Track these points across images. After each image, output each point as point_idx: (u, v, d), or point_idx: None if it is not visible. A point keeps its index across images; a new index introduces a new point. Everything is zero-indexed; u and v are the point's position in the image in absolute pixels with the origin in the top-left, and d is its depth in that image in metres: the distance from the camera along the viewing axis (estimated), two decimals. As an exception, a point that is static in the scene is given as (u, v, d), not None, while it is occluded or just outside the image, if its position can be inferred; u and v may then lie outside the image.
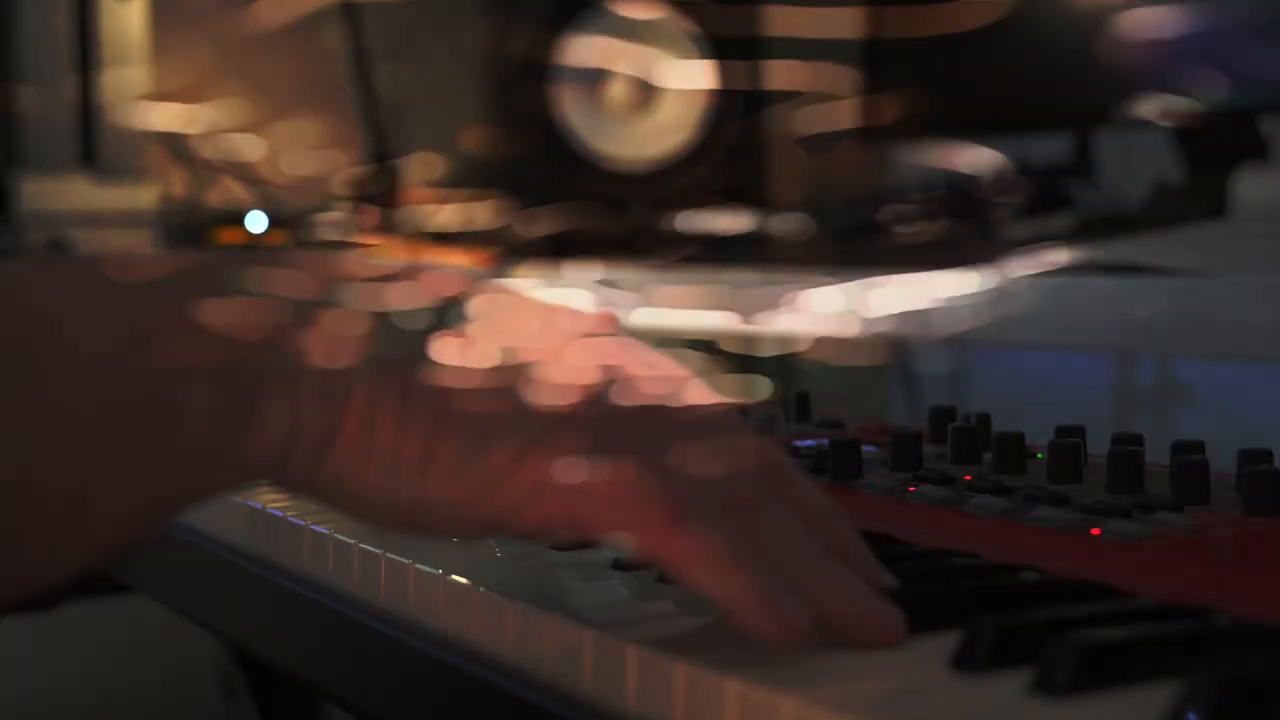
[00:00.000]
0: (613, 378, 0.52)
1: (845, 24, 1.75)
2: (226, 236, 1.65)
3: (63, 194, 1.54)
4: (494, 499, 0.50)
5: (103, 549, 0.48)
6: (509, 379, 0.51)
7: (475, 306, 0.53)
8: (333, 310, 0.50)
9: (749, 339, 1.74)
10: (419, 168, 1.97)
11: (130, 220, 1.57)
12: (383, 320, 0.51)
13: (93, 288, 0.49)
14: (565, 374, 0.51)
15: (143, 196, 1.58)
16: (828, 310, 1.24)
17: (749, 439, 0.53)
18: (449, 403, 0.50)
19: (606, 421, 0.51)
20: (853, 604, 0.50)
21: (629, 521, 0.49)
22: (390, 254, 1.69)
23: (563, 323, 0.54)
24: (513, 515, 0.51)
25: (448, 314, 0.52)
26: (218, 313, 0.49)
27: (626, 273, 1.49)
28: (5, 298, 0.48)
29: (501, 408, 0.50)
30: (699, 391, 0.54)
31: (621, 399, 0.52)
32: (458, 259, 1.67)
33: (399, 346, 0.51)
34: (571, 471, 0.49)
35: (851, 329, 1.24)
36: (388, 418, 0.50)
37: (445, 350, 0.51)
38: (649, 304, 1.45)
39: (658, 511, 0.49)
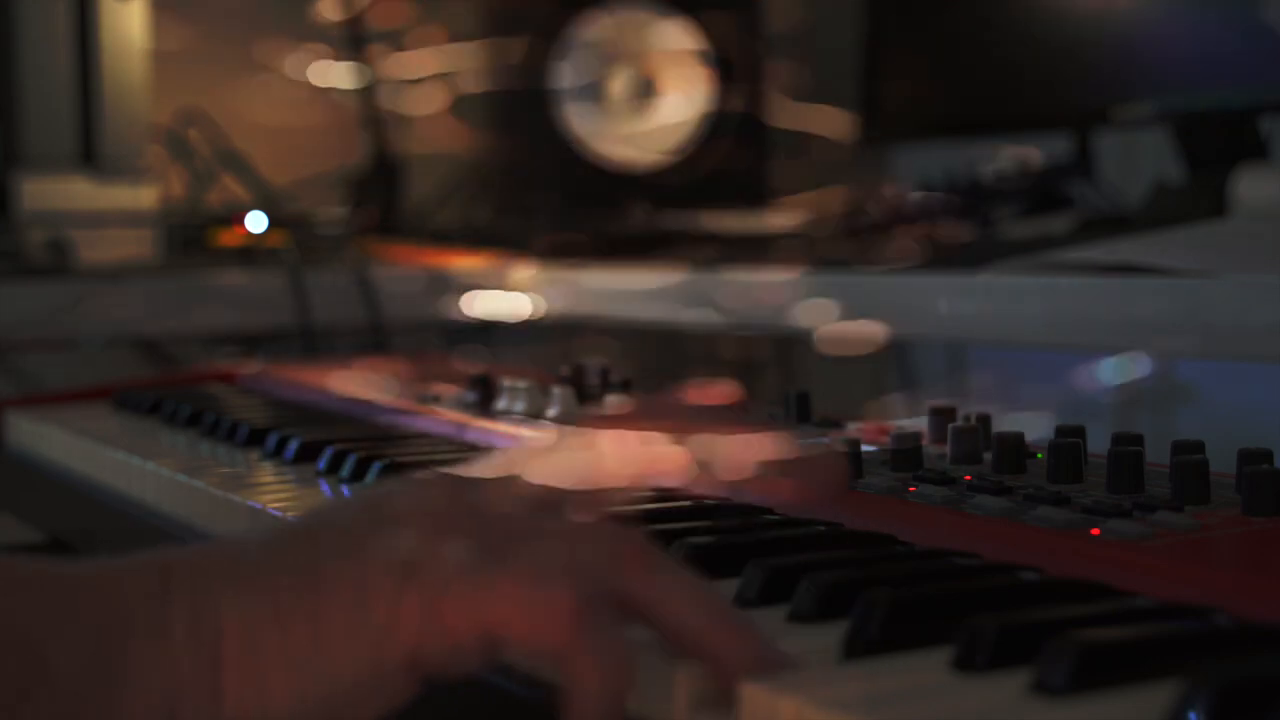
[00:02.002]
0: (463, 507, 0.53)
1: (845, 24, 1.75)
2: (226, 236, 1.65)
3: (63, 194, 1.54)
4: (398, 638, 0.50)
5: None
6: (365, 531, 0.52)
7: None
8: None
9: (749, 338, 1.74)
10: (419, 168, 1.97)
11: (130, 220, 1.57)
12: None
13: None
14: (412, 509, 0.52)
15: (143, 196, 1.58)
16: (828, 309, 1.24)
17: (607, 530, 0.52)
18: (316, 574, 0.51)
19: (466, 534, 0.51)
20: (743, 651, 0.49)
21: (531, 619, 0.49)
22: (391, 257, 1.69)
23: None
24: (423, 649, 0.50)
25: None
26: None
27: (626, 273, 1.49)
28: None
29: (367, 556, 0.51)
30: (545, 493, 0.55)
31: (472, 519, 0.52)
32: (458, 259, 1.67)
33: (255, 566, 0.52)
34: (458, 586, 0.49)
35: (851, 328, 1.24)
36: (266, 628, 0.50)
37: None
38: (649, 304, 1.45)
39: (558, 605, 0.49)
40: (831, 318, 1.24)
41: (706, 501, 0.70)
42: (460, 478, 0.56)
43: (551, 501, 0.55)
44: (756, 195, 1.88)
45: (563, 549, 0.50)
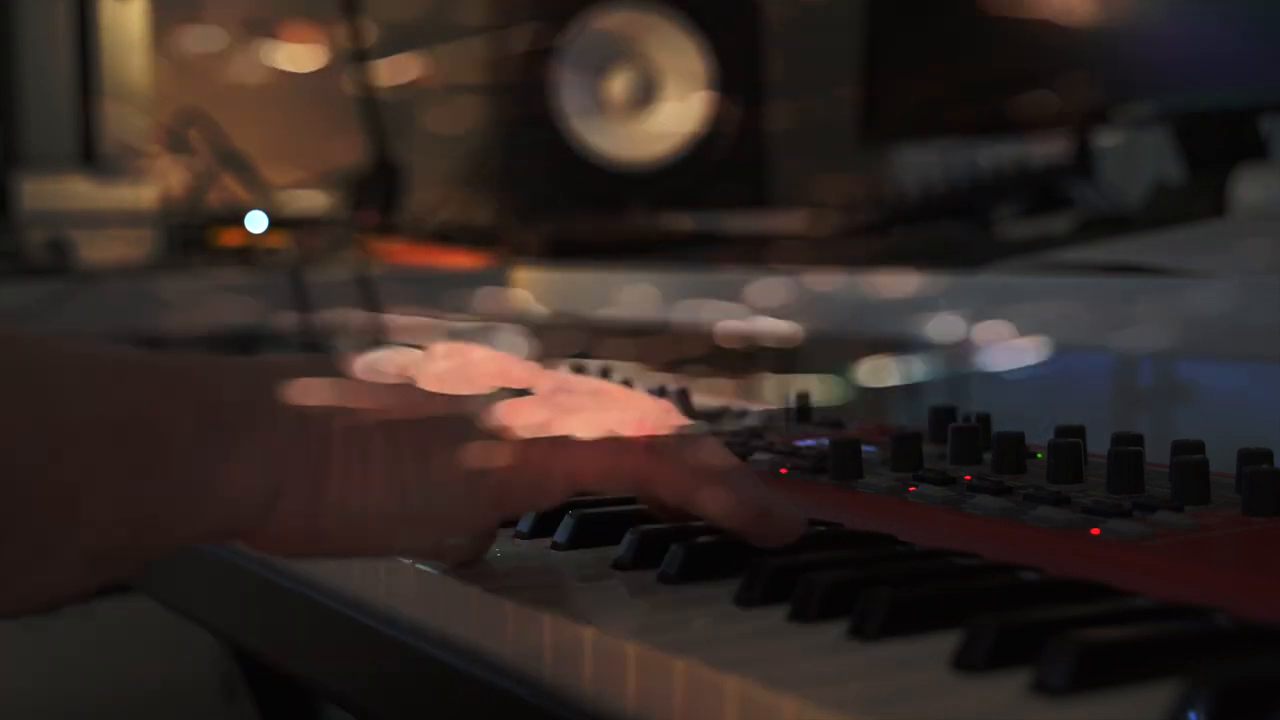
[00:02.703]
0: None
1: (845, 24, 1.75)
2: (226, 236, 1.65)
3: (63, 194, 1.54)
4: (491, 475, 0.55)
5: (88, 557, 0.50)
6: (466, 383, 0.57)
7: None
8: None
9: (748, 338, 1.74)
10: (419, 168, 1.97)
11: (130, 220, 1.57)
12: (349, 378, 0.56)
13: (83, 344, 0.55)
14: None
15: (143, 196, 1.58)
16: (827, 309, 1.24)
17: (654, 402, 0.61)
18: (424, 409, 0.56)
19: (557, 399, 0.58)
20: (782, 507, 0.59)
21: (613, 454, 0.57)
22: (391, 257, 1.69)
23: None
24: (511, 485, 0.56)
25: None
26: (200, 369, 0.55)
27: (625, 272, 1.49)
28: (9, 332, 0.53)
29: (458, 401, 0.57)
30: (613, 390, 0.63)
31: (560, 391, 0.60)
32: (458, 259, 1.67)
33: (368, 391, 0.56)
34: (556, 426, 0.56)
35: (851, 328, 1.24)
36: (375, 440, 0.54)
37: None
38: (647, 304, 1.45)
39: (633, 442, 0.57)
40: (830, 317, 1.24)
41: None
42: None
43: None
44: (756, 195, 1.88)
45: (618, 413, 0.58)
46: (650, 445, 0.58)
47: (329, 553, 0.58)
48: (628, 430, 0.58)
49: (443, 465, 0.55)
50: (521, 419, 0.56)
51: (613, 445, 0.57)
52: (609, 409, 0.59)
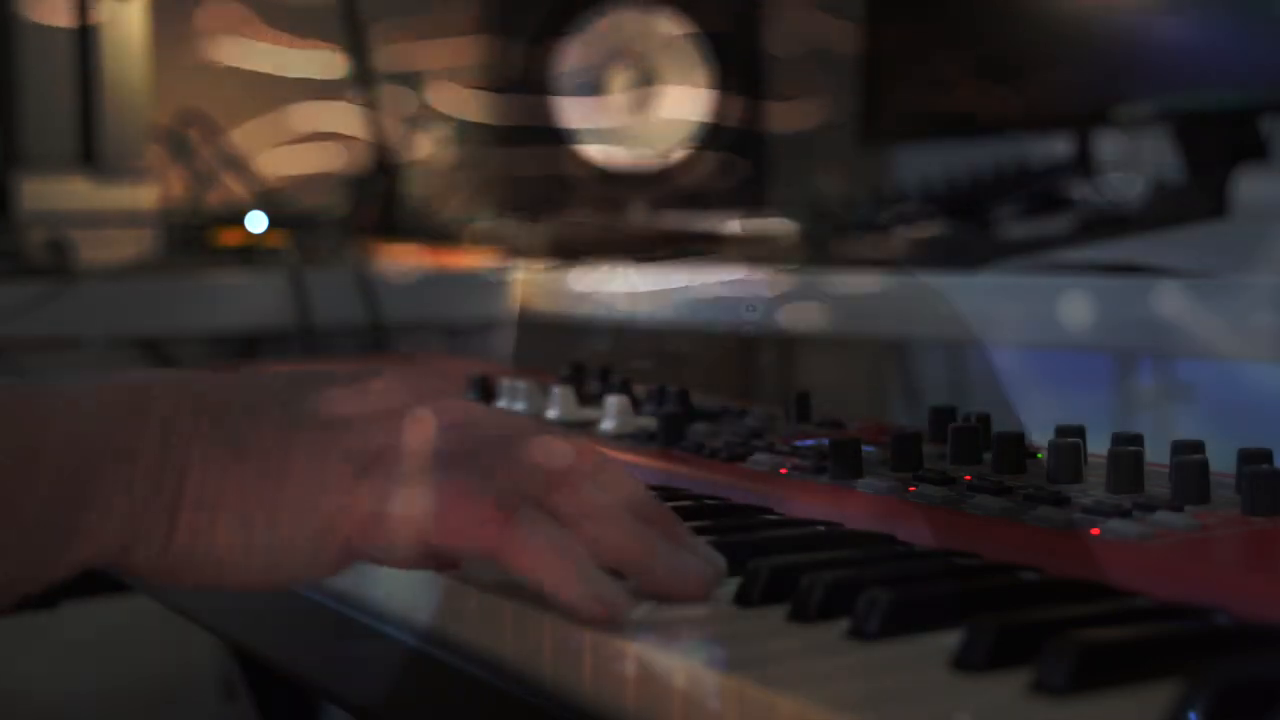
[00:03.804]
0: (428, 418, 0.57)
1: (845, 24, 1.75)
2: (226, 236, 1.65)
3: (63, 194, 1.54)
4: (342, 528, 0.54)
5: None
6: (339, 416, 0.56)
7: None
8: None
9: (749, 338, 1.74)
10: (419, 168, 1.97)
11: (130, 220, 1.57)
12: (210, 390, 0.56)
13: None
14: (383, 411, 0.56)
15: (143, 196, 1.58)
16: (828, 309, 1.24)
17: (558, 440, 0.57)
18: (287, 445, 0.55)
19: (427, 447, 0.56)
20: (670, 563, 0.55)
21: (464, 526, 0.54)
22: (391, 257, 1.69)
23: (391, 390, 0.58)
24: (361, 540, 0.54)
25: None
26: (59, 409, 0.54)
27: (624, 272, 1.49)
28: None
29: (336, 444, 0.55)
30: (514, 419, 0.61)
31: (437, 431, 0.56)
32: (458, 259, 1.67)
33: (230, 411, 0.55)
34: (406, 492, 0.54)
35: (851, 329, 1.24)
36: (228, 475, 0.54)
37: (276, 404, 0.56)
38: (649, 304, 1.45)
39: (487, 513, 0.53)
40: (830, 317, 1.24)
41: (707, 502, 0.70)
42: (423, 378, 0.61)
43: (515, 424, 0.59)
44: (756, 195, 1.88)
45: (500, 463, 0.55)
46: (511, 519, 0.53)
47: (192, 588, 0.57)
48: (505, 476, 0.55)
49: (291, 521, 0.54)
50: (383, 472, 0.55)
51: (468, 514, 0.54)
52: (500, 459, 0.55)
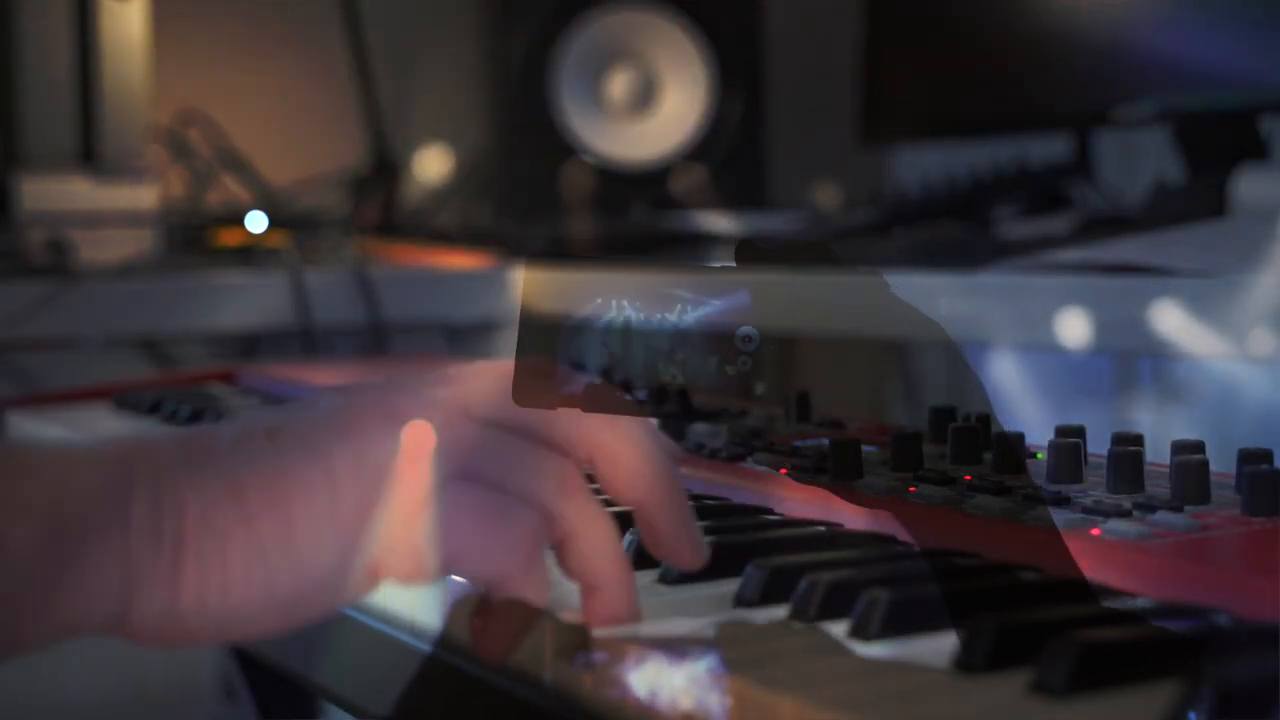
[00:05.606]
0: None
1: (845, 24, 1.75)
2: (226, 236, 1.65)
3: (63, 194, 1.54)
4: (366, 540, 0.51)
5: None
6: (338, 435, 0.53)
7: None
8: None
9: (748, 338, 1.73)
10: (419, 168, 1.97)
11: (130, 220, 1.57)
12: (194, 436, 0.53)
13: None
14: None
15: (143, 196, 1.58)
16: (828, 310, 1.24)
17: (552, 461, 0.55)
18: (284, 473, 0.51)
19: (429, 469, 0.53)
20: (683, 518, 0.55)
21: (492, 549, 0.52)
22: (391, 257, 1.69)
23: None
24: (389, 558, 0.52)
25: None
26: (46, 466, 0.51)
27: (624, 272, 1.49)
28: None
29: (325, 452, 0.52)
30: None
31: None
32: (458, 259, 1.66)
33: (218, 445, 0.52)
34: (431, 511, 0.51)
35: (852, 329, 1.24)
36: (229, 518, 0.50)
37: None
38: (647, 303, 1.45)
39: (511, 538, 0.52)
40: (831, 317, 1.24)
41: (706, 501, 0.70)
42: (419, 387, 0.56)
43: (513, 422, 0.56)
44: (756, 195, 1.88)
45: (515, 477, 0.53)
46: (532, 555, 0.52)
47: (200, 645, 0.53)
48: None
49: (311, 545, 0.51)
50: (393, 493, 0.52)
51: (492, 547, 0.52)
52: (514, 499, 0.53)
